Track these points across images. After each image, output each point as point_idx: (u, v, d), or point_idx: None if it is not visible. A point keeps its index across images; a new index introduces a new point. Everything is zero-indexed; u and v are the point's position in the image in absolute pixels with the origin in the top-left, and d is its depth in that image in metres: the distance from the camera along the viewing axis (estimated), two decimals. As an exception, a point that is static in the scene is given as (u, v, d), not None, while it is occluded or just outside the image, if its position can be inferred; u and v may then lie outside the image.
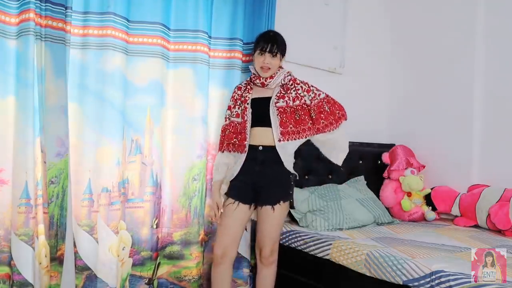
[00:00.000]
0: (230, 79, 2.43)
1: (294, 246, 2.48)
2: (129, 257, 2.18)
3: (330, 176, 3.02)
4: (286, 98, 2.19)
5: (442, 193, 3.00)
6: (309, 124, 2.21)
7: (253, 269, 2.52)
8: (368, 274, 2.07)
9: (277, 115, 2.15)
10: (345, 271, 2.18)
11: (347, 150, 2.34)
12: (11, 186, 1.82)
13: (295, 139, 2.17)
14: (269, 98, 2.19)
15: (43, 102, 1.89)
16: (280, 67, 2.24)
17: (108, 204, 2.08)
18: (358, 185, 2.98)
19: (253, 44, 2.28)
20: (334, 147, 2.30)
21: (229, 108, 2.29)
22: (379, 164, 3.27)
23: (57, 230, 1.97)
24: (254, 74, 2.24)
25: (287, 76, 2.23)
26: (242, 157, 2.16)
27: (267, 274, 2.23)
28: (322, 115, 2.22)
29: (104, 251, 2.06)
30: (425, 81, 3.31)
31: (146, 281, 2.24)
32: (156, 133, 2.25)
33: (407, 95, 3.45)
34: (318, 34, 3.14)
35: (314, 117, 2.21)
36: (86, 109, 2.03)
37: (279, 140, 2.13)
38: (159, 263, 2.30)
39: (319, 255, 2.33)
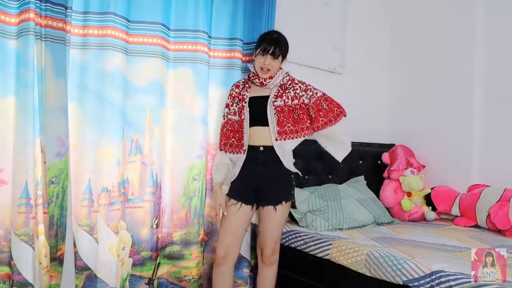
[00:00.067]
0: (230, 79, 2.42)
1: (294, 246, 2.48)
2: (129, 257, 2.18)
3: (330, 176, 3.02)
4: (284, 97, 2.19)
5: (442, 193, 3.00)
6: (307, 123, 2.22)
7: (253, 269, 2.53)
8: (368, 274, 2.07)
9: (275, 114, 2.15)
10: (345, 271, 2.18)
11: (349, 147, 2.34)
12: (11, 186, 1.82)
13: (292, 138, 2.17)
14: (267, 97, 2.19)
15: (43, 102, 1.89)
16: (280, 68, 2.24)
17: (108, 204, 2.08)
18: (358, 185, 2.98)
19: (253, 44, 2.28)
20: (335, 142, 2.30)
21: (227, 106, 2.28)
22: (379, 164, 3.27)
23: (57, 230, 1.97)
24: (253, 73, 2.23)
25: (286, 76, 2.23)
26: (242, 157, 2.16)
27: (269, 274, 2.24)
28: (321, 113, 2.23)
29: (104, 251, 2.07)
30: (425, 81, 3.31)
31: (146, 281, 2.24)
32: (156, 133, 2.25)
33: (407, 95, 3.45)
34: (318, 34, 3.14)
35: (313, 115, 2.22)
36: (86, 109, 2.03)
37: (276, 139, 2.13)
38: (159, 263, 2.30)
39: (319, 255, 2.33)
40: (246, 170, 2.15)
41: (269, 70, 2.15)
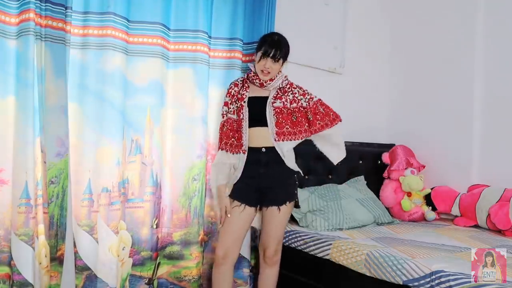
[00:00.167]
0: (230, 79, 2.42)
1: (294, 246, 2.48)
2: (129, 257, 2.18)
3: (330, 176, 3.02)
4: (283, 100, 2.19)
5: (442, 193, 3.00)
6: (305, 126, 2.24)
7: (253, 269, 2.53)
8: (368, 274, 2.07)
9: (274, 115, 2.16)
10: (345, 271, 2.18)
11: (344, 152, 2.37)
12: (11, 186, 1.82)
13: (290, 139, 2.18)
14: (266, 97, 2.19)
15: (43, 102, 1.89)
16: (280, 71, 2.23)
17: (108, 204, 2.08)
18: (358, 185, 2.98)
19: (253, 44, 2.28)
20: (332, 144, 2.33)
21: (225, 104, 2.27)
22: (379, 164, 3.27)
23: (57, 230, 1.97)
24: (254, 72, 2.23)
25: (285, 80, 2.24)
26: (243, 157, 2.16)
27: (270, 274, 2.24)
28: (318, 116, 2.26)
29: (104, 251, 2.07)
30: (425, 81, 3.31)
31: (146, 281, 2.24)
32: (156, 133, 2.25)
33: (407, 95, 3.45)
34: (318, 34, 3.14)
35: (311, 119, 2.24)
36: (86, 109, 2.03)
37: (275, 140, 2.14)
38: (159, 263, 2.30)
39: (319, 255, 2.33)
40: (249, 172, 2.14)
41: (269, 73, 2.15)
